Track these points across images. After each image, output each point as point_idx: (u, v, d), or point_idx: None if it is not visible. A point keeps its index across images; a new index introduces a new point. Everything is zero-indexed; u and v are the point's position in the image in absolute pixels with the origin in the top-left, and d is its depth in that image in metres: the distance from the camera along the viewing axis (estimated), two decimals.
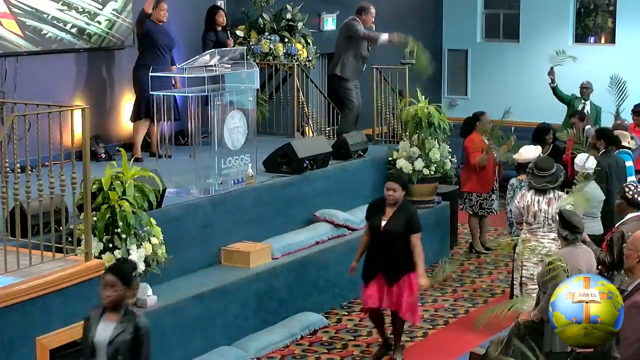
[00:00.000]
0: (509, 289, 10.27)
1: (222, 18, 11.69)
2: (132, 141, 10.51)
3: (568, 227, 6.83)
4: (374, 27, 12.20)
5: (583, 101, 13.26)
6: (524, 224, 8.38)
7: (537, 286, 8.17)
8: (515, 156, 9.56)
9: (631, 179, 9.53)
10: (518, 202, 8.42)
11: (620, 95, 13.00)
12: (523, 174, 9.23)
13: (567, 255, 6.79)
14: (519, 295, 8.41)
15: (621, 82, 13.08)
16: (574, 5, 16.81)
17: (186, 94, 9.22)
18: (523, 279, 8.33)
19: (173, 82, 10.15)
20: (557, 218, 7.02)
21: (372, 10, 11.90)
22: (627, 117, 12.62)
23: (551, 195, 8.27)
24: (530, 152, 9.40)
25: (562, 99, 13.41)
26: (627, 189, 7.41)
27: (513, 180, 9.53)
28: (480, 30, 17.64)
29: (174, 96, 9.60)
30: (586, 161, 9.12)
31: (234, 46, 11.71)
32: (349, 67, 11.76)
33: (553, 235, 8.20)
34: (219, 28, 11.71)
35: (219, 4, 12.34)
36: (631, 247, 5.40)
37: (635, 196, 7.35)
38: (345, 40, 11.86)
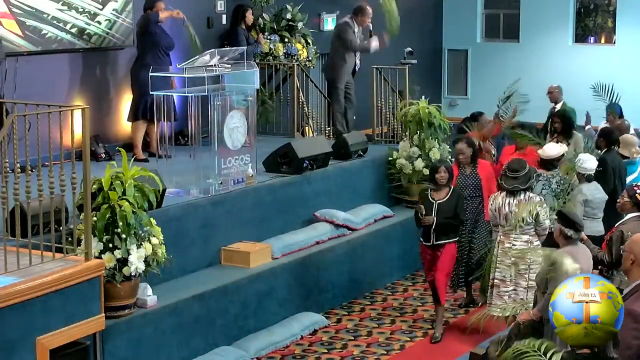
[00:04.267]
0: None
1: (251, 16, 12.14)
2: (132, 142, 10.50)
3: (572, 226, 6.82)
4: (371, 27, 12.23)
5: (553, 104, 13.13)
6: (499, 226, 8.38)
7: (508, 288, 8.21)
8: (539, 151, 9.54)
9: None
10: (491, 204, 8.42)
11: (612, 98, 12.91)
12: (544, 169, 9.22)
13: (568, 254, 6.80)
14: (488, 296, 8.42)
15: (607, 87, 12.99)
16: (574, 5, 16.82)
17: (186, 94, 9.22)
18: (495, 280, 8.33)
19: (170, 82, 10.17)
20: (559, 217, 7.00)
21: (369, 10, 11.90)
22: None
23: (522, 197, 8.24)
24: (554, 149, 9.37)
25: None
26: (638, 190, 7.39)
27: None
28: (480, 30, 17.65)
29: (173, 96, 9.60)
30: (587, 162, 9.10)
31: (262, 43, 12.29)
32: (339, 70, 11.87)
33: (526, 237, 8.20)
34: (243, 26, 12.09)
35: (218, 4, 12.38)
36: (627, 249, 5.39)
37: None
38: (336, 43, 11.96)
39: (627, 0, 16.33)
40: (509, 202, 8.24)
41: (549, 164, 9.25)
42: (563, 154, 9.46)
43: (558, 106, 12.88)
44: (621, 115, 11.77)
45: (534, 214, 8.10)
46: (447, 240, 8.81)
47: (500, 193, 8.35)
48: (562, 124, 10.73)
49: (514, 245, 8.21)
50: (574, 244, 6.85)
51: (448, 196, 8.82)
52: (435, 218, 8.71)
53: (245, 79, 9.61)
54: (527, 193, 8.27)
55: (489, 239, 9.20)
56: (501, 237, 8.33)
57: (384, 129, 12.61)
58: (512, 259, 8.20)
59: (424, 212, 8.72)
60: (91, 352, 7.01)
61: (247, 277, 8.82)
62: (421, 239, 8.93)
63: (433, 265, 8.86)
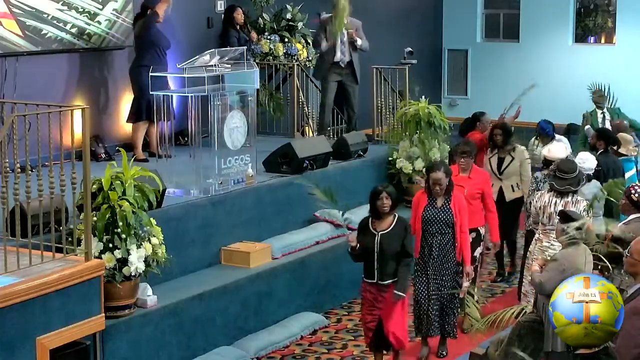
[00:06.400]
0: (509, 289, 10.29)
1: (240, 16, 12.05)
2: (133, 143, 10.50)
3: (577, 227, 6.83)
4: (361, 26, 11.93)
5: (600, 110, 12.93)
6: (539, 223, 8.38)
7: None
8: (544, 152, 9.51)
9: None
10: (536, 201, 8.42)
11: (612, 102, 12.85)
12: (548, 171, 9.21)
13: (572, 254, 6.80)
14: (526, 292, 8.43)
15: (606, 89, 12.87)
16: (574, 5, 16.83)
17: (186, 94, 9.22)
18: None
19: (166, 82, 10.18)
20: (560, 217, 7.00)
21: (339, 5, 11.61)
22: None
23: (569, 198, 8.24)
24: (559, 150, 9.35)
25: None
26: (632, 191, 7.40)
27: (538, 174, 9.48)
28: (480, 30, 17.65)
29: (171, 96, 9.60)
30: (587, 161, 9.11)
31: (258, 39, 12.20)
32: (318, 67, 11.82)
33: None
34: (237, 25, 12.05)
35: (218, 4, 12.38)
36: (636, 257, 5.36)
37: None
38: None
39: (627, 0, 16.33)
40: (556, 202, 8.25)
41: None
42: (567, 156, 9.44)
43: (605, 110, 12.76)
44: (553, 137, 10.75)
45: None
46: (394, 280, 7.57)
47: (548, 192, 8.37)
48: (503, 136, 10.12)
49: (552, 245, 8.16)
50: (577, 244, 6.85)
51: (392, 226, 7.62)
52: (377, 252, 7.53)
53: (245, 79, 9.61)
54: (575, 195, 8.28)
55: (457, 282, 8.24)
56: (540, 235, 8.33)
57: (384, 129, 12.61)
58: (549, 258, 8.20)
59: (355, 244, 7.55)
60: (91, 352, 7.01)
61: (247, 277, 8.82)
62: (363, 274, 7.72)
63: (375, 307, 7.65)
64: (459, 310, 8.30)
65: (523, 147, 10.32)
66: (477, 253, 8.93)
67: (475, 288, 8.28)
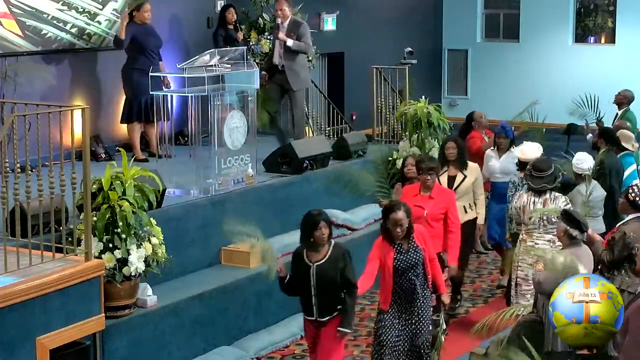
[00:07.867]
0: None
1: (231, 15, 12.09)
2: (130, 144, 10.49)
3: (578, 227, 6.83)
4: (279, 21, 11.07)
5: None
6: (522, 224, 8.39)
7: (531, 287, 8.18)
8: (518, 154, 9.46)
9: (636, 182, 9.42)
10: (515, 202, 8.44)
11: (595, 110, 12.63)
12: (523, 171, 9.17)
13: (574, 254, 6.79)
14: (513, 295, 8.43)
15: (593, 99, 12.65)
16: (574, 5, 16.84)
17: (186, 94, 9.22)
18: (518, 279, 8.34)
19: (162, 80, 10.17)
20: (564, 217, 7.00)
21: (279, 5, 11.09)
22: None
23: (547, 196, 8.27)
24: (533, 151, 9.32)
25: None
26: (630, 191, 7.41)
27: (514, 178, 9.49)
28: (480, 30, 17.67)
29: (168, 96, 9.59)
30: (584, 162, 9.11)
31: (243, 39, 12.14)
32: None
33: (549, 236, 8.20)
34: (230, 25, 12.06)
35: (218, 4, 12.39)
36: None
37: (637, 199, 7.35)
38: None
39: (627, 0, 16.34)
40: (534, 200, 8.26)
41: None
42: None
43: (620, 112, 12.62)
44: (512, 139, 10.25)
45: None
46: (333, 315, 6.80)
47: (526, 192, 8.38)
48: (457, 150, 9.33)
49: (536, 244, 8.18)
50: (577, 245, 6.85)
51: (328, 255, 6.78)
52: (314, 286, 6.75)
53: (245, 79, 9.62)
54: (553, 193, 8.29)
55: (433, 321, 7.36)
56: (524, 235, 8.34)
57: (384, 129, 12.61)
58: (534, 257, 8.19)
59: (284, 274, 6.89)
60: (91, 352, 7.01)
61: (247, 277, 8.82)
62: (302, 311, 7.01)
63: (317, 344, 6.95)
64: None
65: (475, 165, 9.61)
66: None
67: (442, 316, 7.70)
